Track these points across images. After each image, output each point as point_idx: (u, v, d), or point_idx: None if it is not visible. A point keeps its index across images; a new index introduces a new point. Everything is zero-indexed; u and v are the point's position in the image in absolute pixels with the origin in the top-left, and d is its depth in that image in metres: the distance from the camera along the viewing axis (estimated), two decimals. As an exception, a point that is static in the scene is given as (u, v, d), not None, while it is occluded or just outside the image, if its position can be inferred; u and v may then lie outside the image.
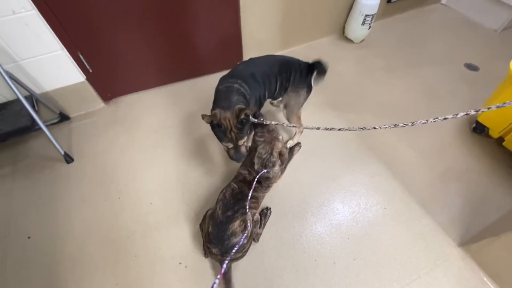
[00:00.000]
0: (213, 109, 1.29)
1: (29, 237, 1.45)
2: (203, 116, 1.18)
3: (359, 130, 0.97)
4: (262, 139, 1.25)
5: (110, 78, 1.98)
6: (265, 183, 1.26)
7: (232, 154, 1.33)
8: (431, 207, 1.53)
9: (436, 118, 0.81)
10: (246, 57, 2.32)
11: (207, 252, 1.33)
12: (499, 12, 2.72)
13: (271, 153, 1.22)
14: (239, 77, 1.35)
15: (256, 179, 1.19)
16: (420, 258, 1.37)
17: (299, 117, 1.63)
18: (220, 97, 1.29)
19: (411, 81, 2.27)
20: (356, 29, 2.50)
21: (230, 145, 1.29)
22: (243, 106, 1.23)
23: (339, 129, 1.01)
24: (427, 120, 0.84)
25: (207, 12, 1.89)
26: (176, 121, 1.98)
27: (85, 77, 1.83)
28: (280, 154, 1.26)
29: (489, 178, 1.66)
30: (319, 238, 1.42)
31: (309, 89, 1.52)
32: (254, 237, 1.35)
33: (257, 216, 1.30)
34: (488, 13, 2.81)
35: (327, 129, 1.06)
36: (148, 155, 1.78)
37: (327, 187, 1.61)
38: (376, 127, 0.94)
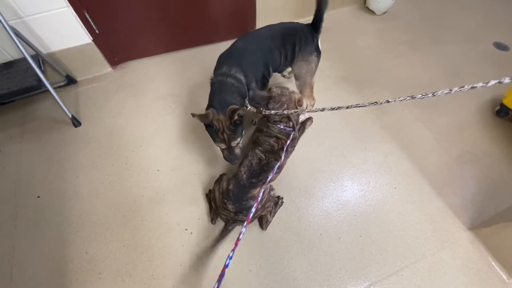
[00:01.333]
0: (208, 106, 1.22)
1: (38, 197, 1.47)
2: (193, 115, 1.13)
3: (369, 105, 0.88)
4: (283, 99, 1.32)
5: (117, 42, 1.91)
6: (291, 147, 1.30)
7: (226, 155, 1.28)
8: (443, 189, 1.49)
9: (462, 87, 0.72)
10: (259, 25, 2.19)
11: (214, 218, 1.34)
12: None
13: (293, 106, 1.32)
14: (235, 61, 1.26)
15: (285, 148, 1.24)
16: (427, 238, 1.34)
17: (312, 87, 1.55)
18: (214, 93, 1.22)
19: (434, 58, 2.13)
20: (379, 0, 2.32)
21: (223, 146, 1.24)
22: (236, 107, 1.15)
23: (347, 107, 0.91)
24: (450, 90, 0.74)
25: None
26: (184, 89, 1.92)
27: (91, 38, 1.76)
28: (298, 101, 1.35)
29: (508, 164, 1.59)
30: (325, 213, 1.40)
31: (318, 53, 1.43)
32: (263, 222, 1.34)
33: (274, 192, 1.30)
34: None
35: (333, 109, 0.96)
36: (155, 122, 1.75)
37: (337, 164, 1.57)
38: (390, 100, 0.85)
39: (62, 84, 1.87)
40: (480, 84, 0.66)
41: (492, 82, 0.65)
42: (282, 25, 1.39)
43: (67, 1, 1.53)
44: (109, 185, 1.50)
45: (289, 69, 1.52)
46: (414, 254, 1.30)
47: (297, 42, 1.37)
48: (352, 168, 1.56)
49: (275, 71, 1.46)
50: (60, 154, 1.62)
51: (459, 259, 1.29)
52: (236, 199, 1.17)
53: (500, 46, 2.24)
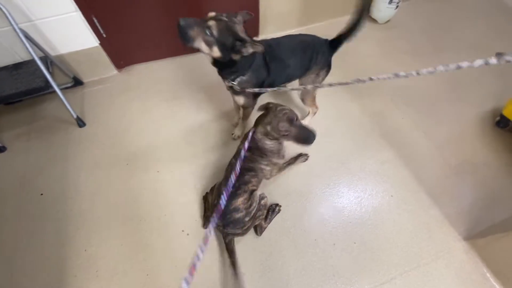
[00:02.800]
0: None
1: (42, 194, 1.51)
2: None
3: (353, 83, 0.88)
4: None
5: (123, 45, 1.96)
6: (256, 151, 1.21)
7: None
8: (440, 198, 1.49)
9: (447, 66, 0.69)
10: (261, 31, 2.23)
11: (206, 223, 1.36)
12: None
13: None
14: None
15: (247, 144, 1.14)
16: (422, 248, 1.35)
17: (315, 97, 1.58)
18: None
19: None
20: (382, 8, 2.34)
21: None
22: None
23: (330, 85, 0.96)
24: (435, 68, 0.71)
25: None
26: (188, 94, 1.96)
27: (98, 41, 1.82)
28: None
29: (507, 175, 1.58)
30: (321, 218, 1.42)
31: (329, 68, 1.43)
32: (257, 229, 1.34)
33: (265, 200, 1.26)
34: (531, -2, 2.56)
35: (317, 86, 1.17)
36: (158, 125, 1.79)
37: (335, 170, 1.59)
38: (373, 78, 0.84)
39: (69, 85, 1.93)
40: (466, 63, 0.63)
41: (478, 62, 0.62)
42: (302, 37, 1.36)
43: (76, 6, 1.59)
44: (110, 185, 1.54)
45: None
46: (408, 263, 1.31)
47: (314, 56, 1.34)
48: (349, 174, 1.58)
49: (288, 81, 1.44)
50: (64, 153, 1.67)
51: (453, 269, 1.29)
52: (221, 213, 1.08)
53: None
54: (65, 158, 1.64)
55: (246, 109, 1.51)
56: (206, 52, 1.11)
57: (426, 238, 1.38)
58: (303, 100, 1.58)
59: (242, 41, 1.07)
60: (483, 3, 2.72)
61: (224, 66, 1.21)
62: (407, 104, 1.89)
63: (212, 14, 1.08)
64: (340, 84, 0.89)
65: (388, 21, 2.47)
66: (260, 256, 1.32)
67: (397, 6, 2.32)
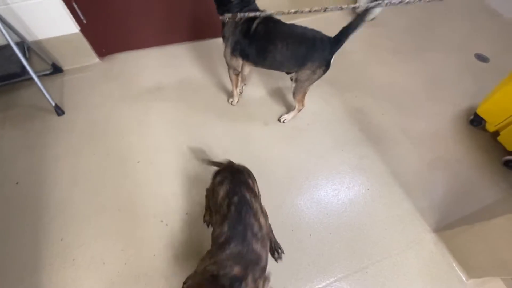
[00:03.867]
0: None
1: (17, 183, 1.48)
2: None
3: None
4: None
5: (105, 33, 1.92)
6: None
7: None
8: (413, 192, 1.55)
9: None
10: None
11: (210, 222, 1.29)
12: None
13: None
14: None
15: None
16: (394, 239, 1.40)
17: (305, 94, 1.60)
18: None
19: (417, 66, 2.20)
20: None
21: None
22: None
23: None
24: None
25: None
26: (171, 84, 1.94)
27: (79, 28, 1.77)
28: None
29: (477, 171, 1.66)
30: (298, 210, 1.45)
31: (327, 68, 1.42)
32: None
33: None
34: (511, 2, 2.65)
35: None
36: (140, 115, 1.77)
37: (314, 164, 1.62)
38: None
39: (48, 72, 1.88)
40: None
41: None
42: (305, 31, 1.36)
43: (55, -10, 1.54)
44: (89, 174, 1.52)
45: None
46: (381, 253, 1.36)
47: (310, 52, 1.35)
48: (328, 168, 1.61)
49: (276, 69, 1.52)
50: (42, 141, 1.63)
51: (421, 259, 1.35)
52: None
53: (481, 58, 2.32)
54: (42, 146, 1.61)
55: (228, 69, 1.62)
56: None
57: (398, 230, 1.43)
58: (294, 94, 1.59)
59: None
60: (467, 4, 2.80)
61: (217, 1, 1.39)
62: (387, 101, 1.94)
63: None
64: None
65: (373, 18, 2.50)
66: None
67: (382, 4, 2.35)
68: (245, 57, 1.49)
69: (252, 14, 1.30)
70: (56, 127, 1.68)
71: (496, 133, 1.72)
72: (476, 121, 1.82)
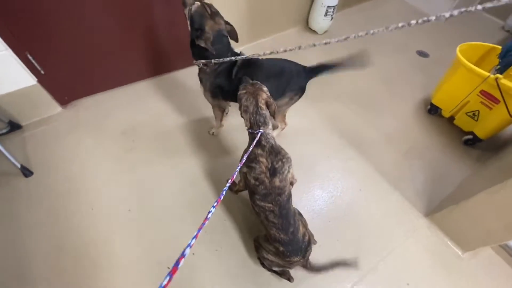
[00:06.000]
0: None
1: (-11, 263, 1.29)
2: None
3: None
4: (244, 91, 1.16)
5: (66, 80, 1.81)
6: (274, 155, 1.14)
7: None
8: (399, 184, 1.67)
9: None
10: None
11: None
12: (442, 2, 3.00)
13: (257, 105, 1.13)
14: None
15: (255, 141, 1.09)
16: (393, 232, 1.50)
17: (285, 115, 1.66)
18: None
19: (371, 69, 2.41)
20: (320, 21, 2.58)
21: None
22: None
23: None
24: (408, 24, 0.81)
25: (166, 6, 1.80)
26: (145, 121, 1.88)
27: (36, 79, 1.64)
28: (268, 105, 1.17)
29: (444, 153, 1.86)
30: (303, 224, 1.48)
31: (302, 93, 1.50)
32: None
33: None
34: (434, 3, 3.09)
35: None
36: (119, 159, 1.68)
37: (306, 175, 1.67)
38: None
39: (4, 131, 1.69)
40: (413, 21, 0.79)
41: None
42: (284, 64, 1.43)
43: (6, 45, 1.43)
44: (73, 237, 1.38)
45: None
46: (386, 248, 1.44)
47: (289, 83, 1.42)
48: (320, 177, 1.68)
49: None
50: (8, 211, 1.44)
51: (421, 245, 1.46)
52: (294, 249, 1.09)
53: (422, 54, 2.64)
54: (12, 216, 1.43)
55: (212, 107, 1.64)
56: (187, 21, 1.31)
57: (394, 222, 1.53)
58: (274, 118, 1.64)
59: (202, 32, 1.27)
60: (402, 10, 3.20)
61: (193, 48, 1.37)
62: (355, 103, 2.10)
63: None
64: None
65: (326, 31, 2.72)
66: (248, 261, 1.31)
67: (331, 18, 2.58)
68: (228, 98, 1.51)
69: (227, 59, 1.27)
70: (26, 191, 1.51)
71: (452, 118, 1.96)
72: (433, 109, 2.05)
